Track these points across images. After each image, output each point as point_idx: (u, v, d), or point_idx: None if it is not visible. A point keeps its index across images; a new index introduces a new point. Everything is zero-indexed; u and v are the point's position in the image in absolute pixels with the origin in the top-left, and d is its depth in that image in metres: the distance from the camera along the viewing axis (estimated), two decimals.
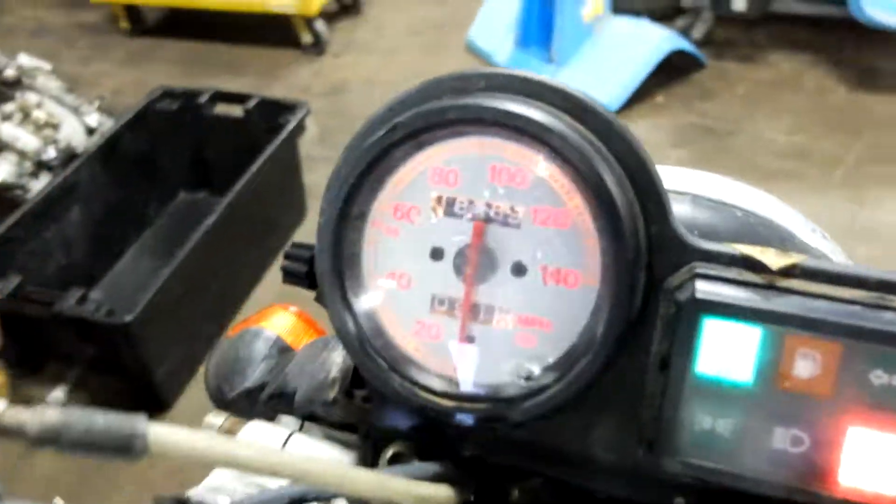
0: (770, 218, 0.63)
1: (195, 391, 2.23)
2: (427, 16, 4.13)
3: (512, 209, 0.51)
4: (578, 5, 3.40)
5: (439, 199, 0.53)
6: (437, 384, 0.53)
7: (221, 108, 2.71)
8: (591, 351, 0.49)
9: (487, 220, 0.52)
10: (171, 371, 2.18)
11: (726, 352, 0.48)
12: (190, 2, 3.86)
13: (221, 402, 0.82)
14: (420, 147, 0.52)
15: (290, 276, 0.58)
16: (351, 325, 0.54)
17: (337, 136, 3.18)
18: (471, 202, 0.52)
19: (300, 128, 2.62)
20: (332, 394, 0.61)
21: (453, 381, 0.53)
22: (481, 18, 3.91)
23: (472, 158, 0.51)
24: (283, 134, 2.51)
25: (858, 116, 3.25)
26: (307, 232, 2.71)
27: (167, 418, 2.19)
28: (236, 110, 2.68)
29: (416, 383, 0.53)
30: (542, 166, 0.50)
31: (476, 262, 0.52)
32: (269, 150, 2.45)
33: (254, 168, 2.38)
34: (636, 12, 3.63)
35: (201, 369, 2.17)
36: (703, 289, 0.48)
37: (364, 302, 0.55)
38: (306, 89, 3.56)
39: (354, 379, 0.62)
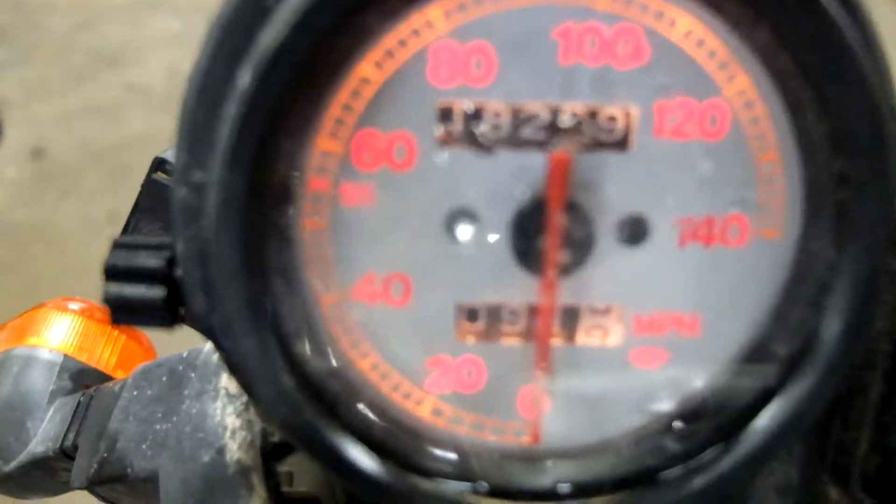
0: None
1: None
2: None
3: (610, 116, 0.25)
4: None
5: (446, 114, 0.25)
6: (500, 477, 0.27)
7: None
8: (818, 356, 0.25)
9: (563, 144, 0.25)
10: None
11: None
12: None
13: None
14: (409, 2, 0.23)
15: (126, 312, 0.27)
16: (296, 392, 0.26)
17: (20, 33, 2.62)
18: (517, 112, 0.25)
19: None
20: (251, 501, 0.32)
21: (535, 464, 0.28)
22: None
23: (519, 19, 0.24)
24: None
25: None
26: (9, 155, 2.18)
27: None
28: None
29: (453, 481, 0.27)
30: (673, 15, 0.24)
31: (559, 230, 0.26)
32: None
33: None
34: None
35: None
36: None
37: (317, 343, 0.27)
38: None
39: (277, 452, 0.34)
